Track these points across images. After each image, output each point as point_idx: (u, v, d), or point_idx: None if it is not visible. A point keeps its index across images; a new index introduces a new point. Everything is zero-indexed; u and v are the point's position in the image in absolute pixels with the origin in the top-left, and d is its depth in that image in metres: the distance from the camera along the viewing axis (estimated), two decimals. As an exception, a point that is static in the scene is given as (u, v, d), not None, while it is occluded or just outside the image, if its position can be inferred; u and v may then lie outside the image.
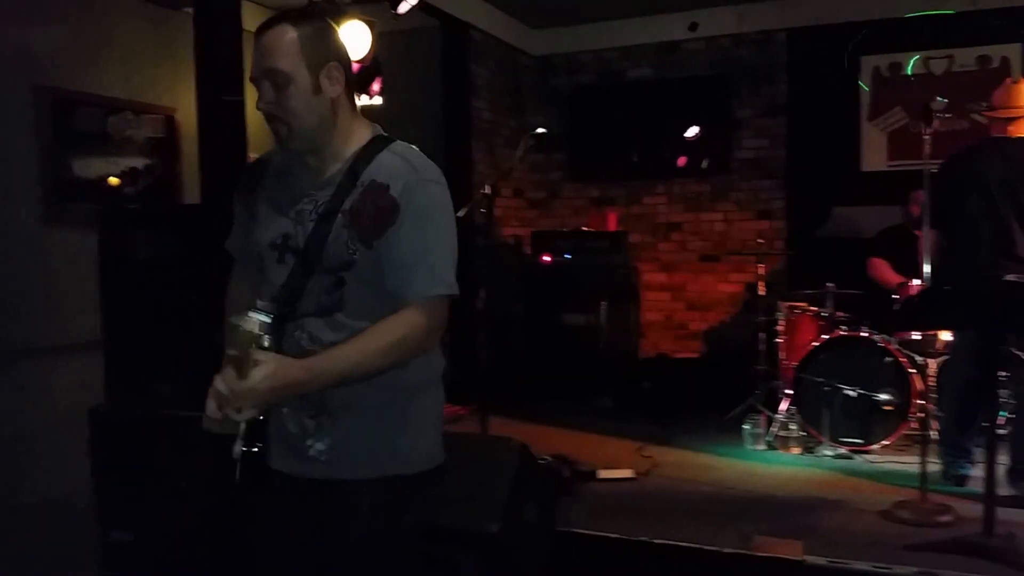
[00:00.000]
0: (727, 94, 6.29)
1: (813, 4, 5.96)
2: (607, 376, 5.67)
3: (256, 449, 1.71)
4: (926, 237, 3.51)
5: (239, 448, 1.63)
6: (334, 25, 1.75)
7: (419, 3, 4.69)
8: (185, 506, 3.02)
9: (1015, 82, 3.80)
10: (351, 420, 1.71)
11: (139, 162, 4.70)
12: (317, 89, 1.67)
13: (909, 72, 5.81)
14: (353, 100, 1.75)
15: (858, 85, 5.93)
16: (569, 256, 5.96)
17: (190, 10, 4.23)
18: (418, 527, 1.80)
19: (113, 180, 4.61)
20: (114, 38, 4.71)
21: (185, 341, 3.19)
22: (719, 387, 5.22)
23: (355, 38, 4.39)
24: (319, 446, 1.72)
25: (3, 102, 4.11)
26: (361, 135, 1.75)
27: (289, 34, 1.65)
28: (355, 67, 4.47)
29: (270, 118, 1.70)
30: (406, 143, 1.77)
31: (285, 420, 1.74)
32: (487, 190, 4.09)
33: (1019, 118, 3.66)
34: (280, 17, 1.68)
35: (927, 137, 3.52)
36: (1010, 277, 3.23)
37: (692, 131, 6.14)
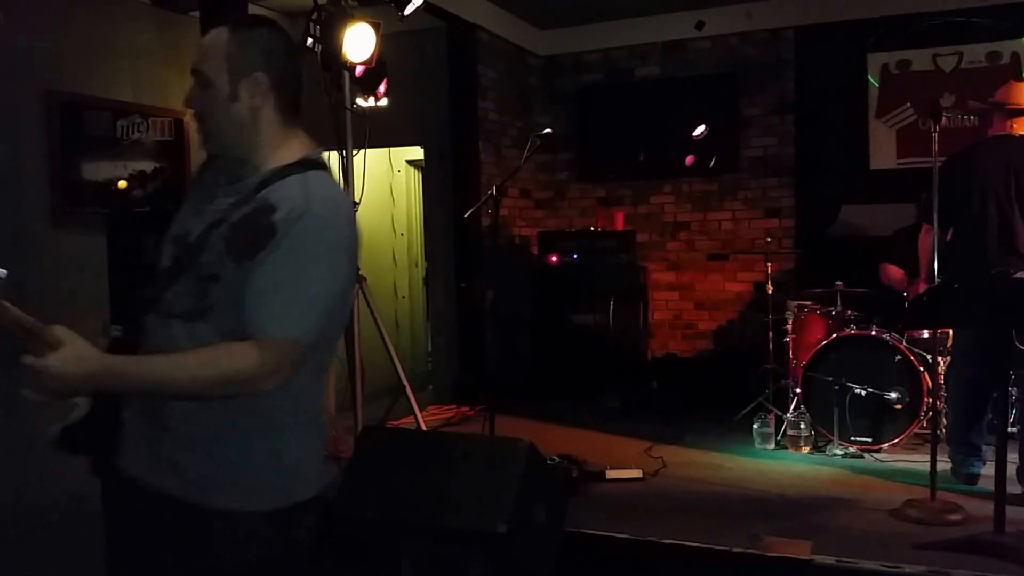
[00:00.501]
0: (735, 92, 6.27)
1: (821, 2, 5.93)
2: (615, 376, 5.66)
3: (81, 437, 1.62)
4: (928, 236, 3.56)
5: (55, 429, 1.58)
6: (282, 37, 1.71)
7: (425, 4, 4.69)
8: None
9: (1018, 80, 3.83)
10: (188, 441, 1.60)
11: (148, 165, 4.73)
12: (235, 97, 1.64)
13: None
14: (288, 116, 1.69)
15: (867, 82, 5.91)
16: (576, 256, 5.96)
17: (197, 14, 4.26)
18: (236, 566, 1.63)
19: (121, 183, 4.64)
20: (122, 42, 4.75)
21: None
22: (728, 387, 5.20)
23: (361, 40, 4.40)
24: (156, 456, 1.62)
25: (13, 106, 4.15)
26: (290, 153, 1.68)
27: (221, 38, 1.65)
28: (360, 69, 4.56)
29: (194, 115, 1.70)
30: (327, 176, 1.70)
31: (133, 422, 1.65)
32: (493, 191, 4.08)
33: (1020, 115, 3.67)
34: (228, 20, 1.68)
35: (935, 134, 3.52)
36: (1021, 274, 3.22)
37: (699, 130, 6.13)
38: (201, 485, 1.60)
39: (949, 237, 3.69)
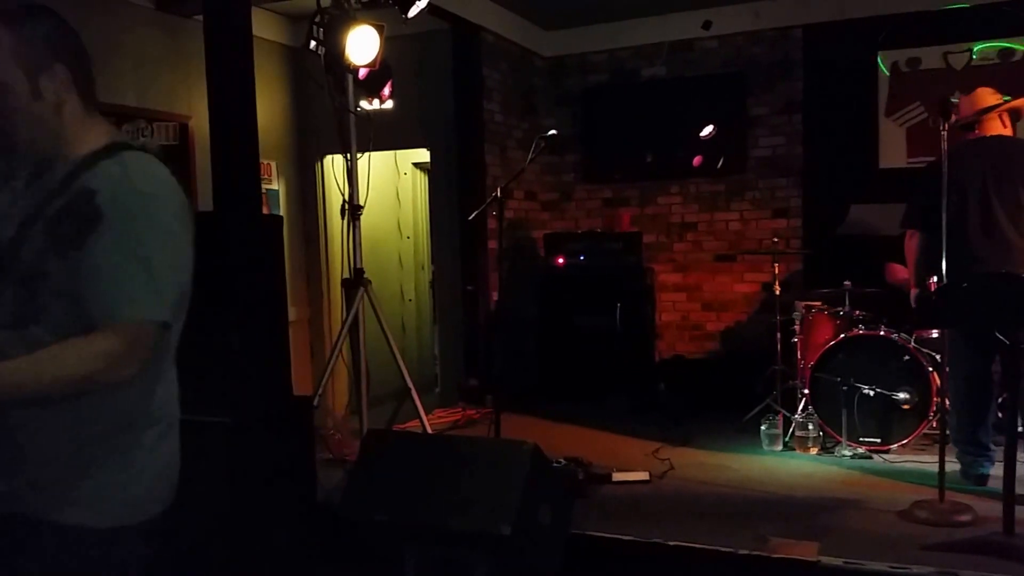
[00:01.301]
0: (742, 92, 6.24)
1: (829, 0, 5.91)
2: (623, 378, 5.64)
3: None
4: (912, 240, 3.72)
5: None
6: (61, 22, 1.62)
7: (429, 7, 4.69)
8: (195, 513, 3.04)
9: (976, 89, 3.92)
10: (33, 449, 1.52)
11: (153, 170, 4.75)
12: (37, 95, 1.55)
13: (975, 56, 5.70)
14: (89, 101, 1.61)
15: (876, 81, 5.86)
16: (583, 258, 5.94)
17: (201, 18, 4.26)
18: None
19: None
20: (126, 46, 4.76)
21: (200, 349, 3.23)
22: (736, 388, 5.17)
23: (365, 43, 4.40)
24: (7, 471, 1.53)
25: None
26: (95, 139, 1.60)
27: (2, 38, 1.53)
28: (364, 72, 4.56)
29: None
30: (144, 152, 1.61)
31: None
32: (497, 194, 4.07)
33: (985, 121, 3.78)
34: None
35: (944, 132, 3.49)
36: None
37: (707, 130, 6.11)
38: (50, 498, 1.52)
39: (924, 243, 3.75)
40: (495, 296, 5.90)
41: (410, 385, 4.06)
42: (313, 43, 4.58)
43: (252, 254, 3.55)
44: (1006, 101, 3.84)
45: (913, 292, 3.99)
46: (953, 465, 3.73)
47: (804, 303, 4.88)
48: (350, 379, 4.29)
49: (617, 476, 3.87)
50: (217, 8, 3.91)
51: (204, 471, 3.14)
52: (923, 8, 5.62)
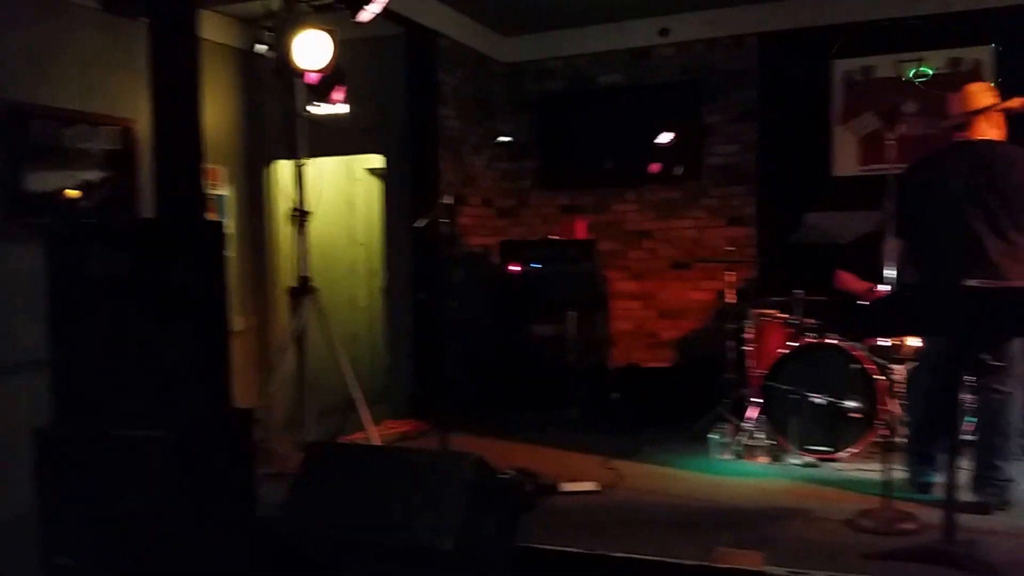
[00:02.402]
0: (698, 100, 6.25)
1: (785, 8, 5.93)
2: (576, 387, 5.62)
3: None
4: (890, 245, 3.54)
5: None
6: None
7: (384, 11, 4.64)
8: (130, 530, 2.95)
9: (966, 86, 3.75)
10: None
11: (95, 175, 4.62)
12: None
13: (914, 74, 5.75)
14: None
15: (830, 89, 5.91)
16: (538, 265, 5.91)
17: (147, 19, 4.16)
18: None
19: (72, 192, 4.53)
20: (70, 48, 4.64)
21: (136, 359, 3.14)
22: (689, 397, 5.18)
23: (316, 47, 4.34)
24: None
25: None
26: None
27: None
28: (316, 76, 4.49)
29: None
30: None
31: None
32: (449, 200, 4.02)
33: (975, 122, 3.62)
34: None
35: (892, 141, 3.51)
36: (972, 282, 3.20)
37: (665, 137, 6.12)
38: None
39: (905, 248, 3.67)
40: (448, 304, 5.84)
41: (357, 396, 3.99)
42: (262, 47, 4.52)
43: (192, 261, 3.45)
44: (998, 103, 3.64)
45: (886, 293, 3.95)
46: (900, 473, 3.75)
47: (757, 311, 4.89)
48: (295, 390, 4.21)
49: (565, 487, 3.84)
50: (161, 9, 3.83)
51: (139, 487, 3.06)
52: (876, 17, 5.68)
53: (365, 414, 4.06)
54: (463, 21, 6.12)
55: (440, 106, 5.94)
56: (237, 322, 5.22)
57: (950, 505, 3.00)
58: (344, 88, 4.66)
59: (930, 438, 3.66)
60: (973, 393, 3.60)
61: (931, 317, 3.02)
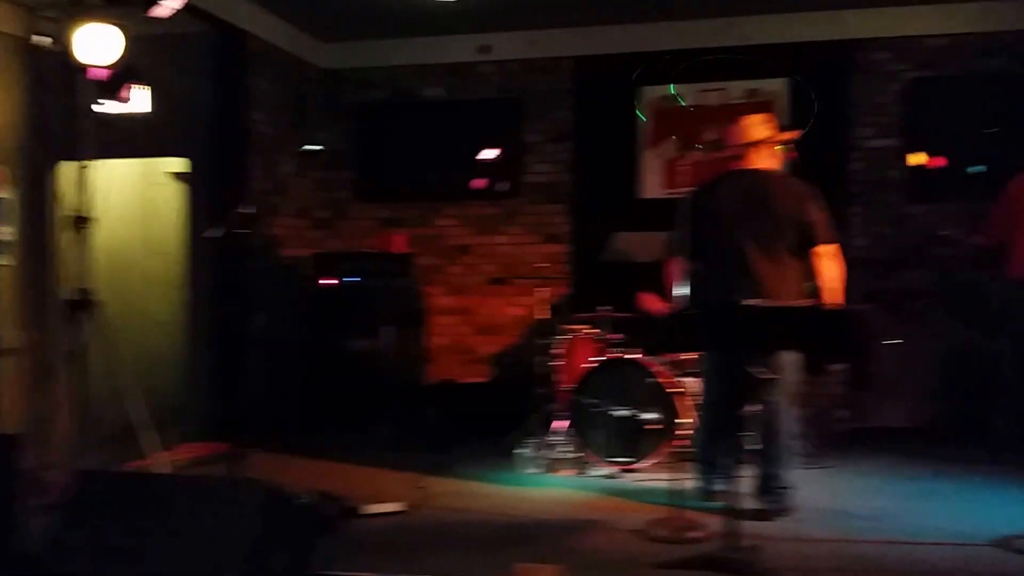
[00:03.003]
0: (518, 118, 6.36)
1: (599, 34, 6.15)
2: (392, 404, 5.51)
3: None
4: (675, 267, 3.78)
5: None
6: None
7: (188, 7, 4.37)
8: None
9: (742, 119, 4.01)
10: None
11: None
12: None
13: (682, 103, 6.09)
14: None
15: (638, 114, 6.17)
16: (354, 279, 5.76)
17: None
18: None
19: None
20: None
21: None
22: (504, 412, 5.21)
23: (104, 40, 4.01)
24: None
25: None
26: None
27: None
28: (104, 73, 4.15)
29: None
30: None
31: None
32: (248, 209, 3.81)
33: (749, 153, 3.90)
34: None
35: (687, 167, 3.69)
36: (751, 301, 3.40)
37: (489, 153, 6.16)
38: None
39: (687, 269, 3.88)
40: (257, 319, 5.58)
41: (141, 419, 3.69)
42: (43, 38, 4.13)
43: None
44: (773, 135, 3.92)
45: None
46: (691, 482, 3.91)
47: (568, 327, 5.00)
48: (75, 413, 3.83)
49: (369, 509, 3.72)
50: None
51: None
52: (681, 47, 6.00)
53: (152, 439, 3.75)
54: (276, 23, 5.90)
55: (250, 110, 5.68)
56: (11, 338, 4.71)
57: (732, 513, 3.14)
58: (137, 86, 4.34)
59: (716, 448, 3.85)
60: (750, 404, 3.84)
61: (706, 333, 3.19)
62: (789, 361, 3.75)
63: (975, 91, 5.66)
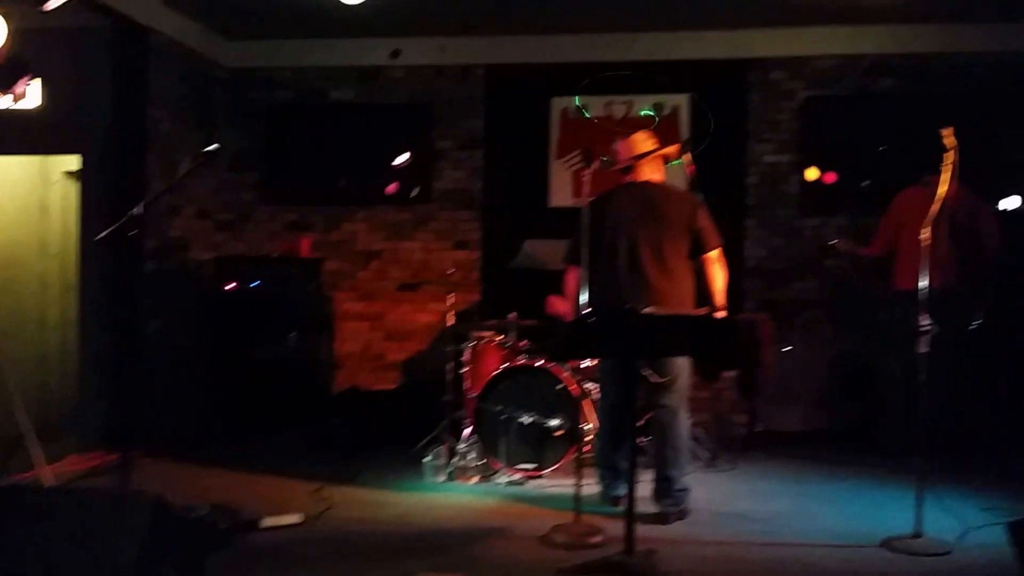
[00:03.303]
0: (429, 124, 6.34)
1: (510, 43, 6.18)
2: (297, 412, 5.41)
3: None
4: (572, 276, 3.90)
5: None
6: None
7: (86, 0, 4.20)
8: None
9: (630, 135, 4.17)
10: None
11: None
12: None
13: (587, 115, 6.20)
14: None
15: (549, 124, 6.23)
16: (258, 284, 5.63)
17: None
18: None
19: None
20: None
21: None
22: (412, 419, 5.18)
23: (-11, 31, 3.81)
24: None
25: None
26: None
27: None
28: (-11, 64, 3.94)
29: None
30: None
31: None
32: (139, 210, 3.66)
33: (639, 166, 4.05)
34: None
35: (585, 178, 3.76)
36: (649, 309, 3.49)
37: (402, 158, 6.11)
38: None
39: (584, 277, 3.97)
40: (155, 324, 5.40)
41: (25, 429, 3.52)
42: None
43: None
44: (657, 149, 4.12)
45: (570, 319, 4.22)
46: (595, 488, 3.98)
47: (476, 333, 5.01)
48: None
49: (267, 521, 3.64)
50: None
51: None
52: (590, 60, 6.10)
53: (35, 450, 3.58)
54: (180, 19, 5.72)
55: (150, 107, 5.48)
56: None
57: (630, 517, 3.20)
58: (27, 79, 4.15)
59: (615, 452, 3.93)
60: (645, 409, 3.95)
61: (605, 340, 3.25)
62: (681, 366, 3.88)
63: (865, 110, 5.95)
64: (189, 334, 5.56)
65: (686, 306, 3.86)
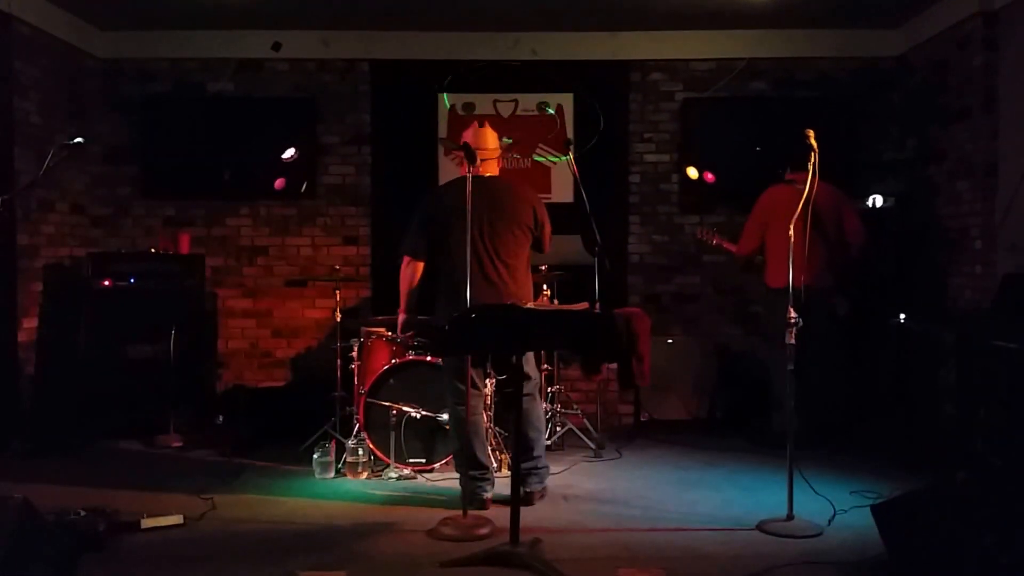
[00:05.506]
0: (313, 118, 6.24)
1: (394, 39, 6.16)
2: (179, 411, 5.25)
3: None
4: (408, 268, 4.01)
5: None
6: None
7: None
8: None
9: (481, 126, 4.19)
10: None
11: None
12: None
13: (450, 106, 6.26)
14: None
15: (436, 120, 6.24)
16: (135, 281, 5.42)
17: None
18: None
19: None
20: None
21: None
22: (301, 417, 5.12)
23: None
24: None
25: None
26: None
27: None
28: None
29: None
30: None
31: None
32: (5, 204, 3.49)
33: (488, 159, 4.10)
34: None
35: (468, 175, 3.78)
36: (484, 303, 3.59)
37: (289, 152, 5.98)
38: None
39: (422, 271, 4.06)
40: (25, 323, 5.13)
41: None
42: None
43: None
44: (504, 144, 4.24)
45: (401, 317, 4.24)
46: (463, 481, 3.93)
47: (366, 329, 4.98)
48: None
49: (146, 523, 3.54)
50: None
51: None
52: (476, 57, 6.16)
53: None
54: (47, 7, 5.44)
55: (18, 98, 5.20)
56: None
57: (515, 508, 3.27)
58: None
59: (474, 449, 3.93)
60: (504, 398, 4.02)
61: (483, 335, 3.31)
62: (529, 358, 4.00)
63: (739, 111, 6.24)
64: (65, 333, 5.29)
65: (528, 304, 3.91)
